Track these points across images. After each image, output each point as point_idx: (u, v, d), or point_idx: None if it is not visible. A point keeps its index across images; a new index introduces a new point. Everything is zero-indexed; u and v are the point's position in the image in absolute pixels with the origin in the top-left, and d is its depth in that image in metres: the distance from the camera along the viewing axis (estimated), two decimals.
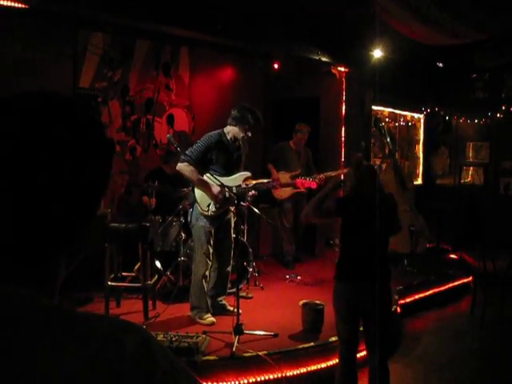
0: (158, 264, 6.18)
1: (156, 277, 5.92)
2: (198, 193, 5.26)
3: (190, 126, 8.55)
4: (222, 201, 5.21)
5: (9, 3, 5.39)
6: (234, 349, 4.43)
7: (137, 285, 5.61)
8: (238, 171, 5.44)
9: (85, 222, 0.83)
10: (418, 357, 5.47)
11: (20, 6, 5.51)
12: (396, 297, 6.34)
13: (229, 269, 5.54)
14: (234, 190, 5.23)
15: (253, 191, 5.45)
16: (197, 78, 8.56)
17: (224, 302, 5.58)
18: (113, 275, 5.62)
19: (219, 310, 5.45)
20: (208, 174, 5.11)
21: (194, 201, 5.26)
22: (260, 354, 4.43)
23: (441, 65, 10.04)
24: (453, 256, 9.14)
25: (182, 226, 6.27)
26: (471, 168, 11.15)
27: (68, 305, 0.79)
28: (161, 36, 7.63)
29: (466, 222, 9.98)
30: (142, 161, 7.86)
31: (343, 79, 8.92)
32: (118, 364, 0.71)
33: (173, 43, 8.08)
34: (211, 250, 5.32)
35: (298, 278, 7.17)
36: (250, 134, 5.33)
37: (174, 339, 4.30)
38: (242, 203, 5.16)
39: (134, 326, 0.78)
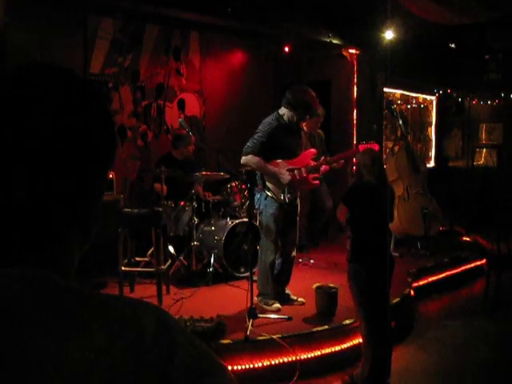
0: (171, 249, 6.20)
1: (169, 261, 5.94)
2: (270, 182, 5.18)
3: (201, 110, 8.53)
4: (295, 184, 5.16)
5: None
6: (248, 332, 4.43)
7: (150, 269, 5.65)
8: (301, 151, 5.37)
9: (94, 196, 0.83)
10: (432, 339, 5.46)
11: None
12: (409, 279, 6.32)
13: (294, 253, 5.49)
14: (303, 171, 5.17)
15: (323, 166, 5.32)
16: (207, 63, 8.53)
17: (288, 291, 5.50)
18: (126, 260, 5.66)
19: (283, 300, 5.37)
20: (278, 160, 5.09)
21: (264, 188, 5.16)
22: (274, 337, 4.44)
23: (453, 45, 9.92)
24: (466, 239, 9.09)
25: (194, 211, 6.28)
26: (484, 150, 11.07)
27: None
28: (170, 20, 7.60)
29: (480, 204, 9.91)
30: (154, 146, 7.86)
31: (354, 61, 8.85)
32: (138, 342, 0.71)
33: (182, 27, 8.04)
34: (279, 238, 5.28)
35: (311, 261, 7.17)
36: (306, 118, 5.31)
37: (188, 323, 4.33)
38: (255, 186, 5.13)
39: (151, 305, 0.78)
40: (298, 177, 5.14)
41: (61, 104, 0.77)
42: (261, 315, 4.83)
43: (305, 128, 7.74)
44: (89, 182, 0.80)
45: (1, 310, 0.69)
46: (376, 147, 5.24)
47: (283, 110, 5.23)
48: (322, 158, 5.42)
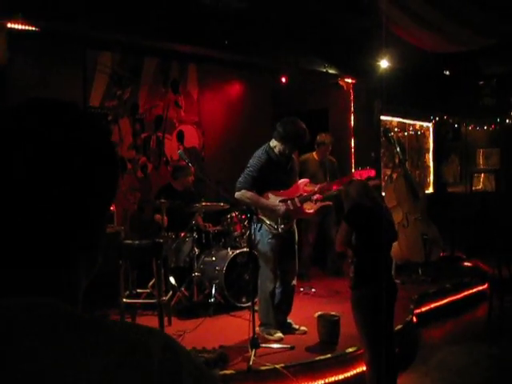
0: (172, 280, 6.18)
1: (170, 293, 5.92)
2: (264, 215, 5.21)
3: (199, 141, 8.59)
4: (290, 215, 5.18)
5: (21, 26, 5.50)
6: (250, 362, 4.41)
7: (152, 301, 5.62)
8: (293, 182, 5.39)
9: (98, 224, 0.85)
10: (436, 365, 5.43)
11: (30, 28, 5.61)
12: (411, 306, 6.31)
13: (294, 282, 5.48)
14: (297, 201, 5.21)
15: (317, 195, 5.32)
16: (205, 94, 8.62)
17: (290, 320, 5.48)
18: (127, 292, 5.64)
19: (285, 329, 5.34)
20: (269, 194, 5.14)
21: (261, 221, 5.18)
22: (277, 366, 4.41)
23: (447, 73, 10.05)
24: (467, 263, 9.09)
25: (195, 242, 6.29)
26: (482, 175, 11.12)
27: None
28: (168, 53, 7.71)
29: (480, 228, 9.92)
30: (154, 178, 7.90)
31: (351, 90, 8.96)
32: (145, 366, 0.73)
33: (180, 60, 8.15)
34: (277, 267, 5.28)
35: (313, 290, 7.16)
36: (295, 151, 5.33)
37: None
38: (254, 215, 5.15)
39: (157, 331, 0.80)
40: (291, 207, 5.17)
41: (62, 139, 0.79)
42: (263, 345, 4.80)
43: (316, 157, 7.77)
44: (92, 211, 0.83)
45: (9, 339, 0.71)
46: (372, 173, 5.28)
47: (274, 143, 5.26)
48: (317, 187, 5.43)
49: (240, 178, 5.16)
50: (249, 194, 5.10)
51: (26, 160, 0.76)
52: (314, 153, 7.76)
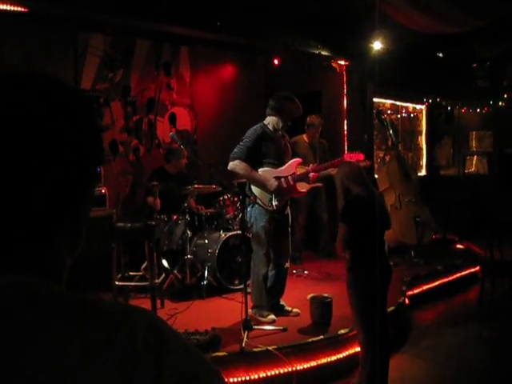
0: (164, 263, 6.18)
1: (163, 275, 5.93)
2: (257, 190, 5.21)
3: (192, 124, 8.56)
4: (282, 192, 5.18)
5: (9, 7, 5.42)
6: (243, 344, 4.43)
7: (144, 284, 5.63)
8: (288, 159, 5.39)
9: (82, 199, 0.83)
10: (427, 347, 5.47)
11: (20, 9, 5.54)
12: (404, 288, 6.34)
13: (287, 265, 5.49)
14: (290, 179, 5.22)
15: (312, 173, 5.32)
16: (198, 77, 8.57)
17: (282, 302, 5.50)
18: (120, 275, 5.65)
19: (278, 311, 5.36)
20: (262, 168, 5.13)
21: (255, 198, 5.16)
22: (270, 348, 4.43)
23: (441, 55, 10.01)
24: (459, 246, 9.14)
25: (187, 224, 6.28)
26: (475, 157, 11.14)
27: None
28: (160, 35, 7.64)
29: (472, 211, 9.96)
30: (146, 161, 7.88)
31: (344, 72, 8.92)
32: (130, 345, 0.72)
33: (172, 42, 8.09)
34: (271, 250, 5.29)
35: (305, 272, 7.18)
36: (289, 123, 5.33)
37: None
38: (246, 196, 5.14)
39: (143, 310, 0.79)
40: (284, 185, 5.18)
41: (48, 112, 0.78)
42: (256, 327, 4.82)
43: (306, 139, 7.77)
44: (76, 185, 0.81)
45: None
46: (361, 157, 5.28)
47: (268, 119, 5.31)
48: (310, 166, 5.45)
49: (235, 149, 5.15)
50: (242, 164, 5.10)
51: (6, 133, 0.75)
52: (304, 135, 7.77)
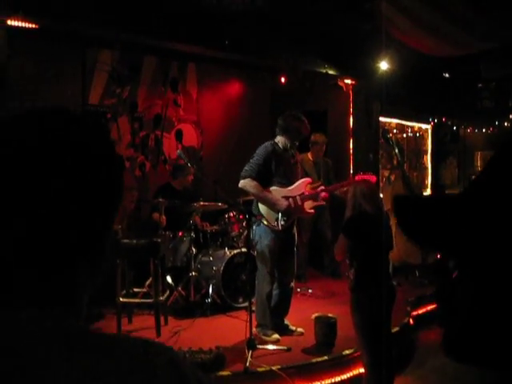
0: (169, 279, 6.18)
1: (167, 292, 5.92)
2: (263, 208, 5.20)
3: (198, 141, 8.58)
4: (290, 212, 5.17)
5: (20, 23, 5.49)
6: (247, 364, 4.40)
7: (148, 300, 5.61)
8: (297, 179, 5.39)
9: (102, 233, 0.84)
10: (432, 368, 5.41)
11: (31, 26, 5.60)
12: (408, 308, 6.30)
13: (292, 284, 5.47)
14: (299, 199, 5.21)
15: (323, 193, 5.33)
16: (204, 93, 8.61)
17: (287, 321, 5.47)
18: (124, 291, 5.63)
19: (282, 330, 5.33)
20: (273, 187, 5.14)
21: (261, 217, 5.16)
22: (274, 368, 4.41)
23: (447, 75, 10.05)
24: None
25: (192, 241, 6.28)
26: None
27: (80, 322, 0.80)
28: (168, 52, 7.69)
29: None
30: (152, 177, 7.89)
31: (350, 91, 8.95)
32: (149, 380, 0.73)
33: (180, 59, 8.14)
34: (275, 269, 5.27)
35: (310, 291, 7.16)
36: (297, 143, 5.35)
37: (187, 355, 4.30)
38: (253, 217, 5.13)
39: (162, 346, 0.79)
40: (292, 205, 5.17)
41: (64, 149, 0.78)
42: (260, 346, 4.80)
43: (310, 157, 7.79)
44: (97, 220, 0.82)
45: (13, 353, 0.70)
46: (373, 179, 5.27)
47: (277, 138, 5.32)
48: (320, 187, 5.45)
49: (245, 167, 5.15)
50: (253, 183, 5.08)
51: (29, 170, 0.76)
52: (309, 153, 7.80)
